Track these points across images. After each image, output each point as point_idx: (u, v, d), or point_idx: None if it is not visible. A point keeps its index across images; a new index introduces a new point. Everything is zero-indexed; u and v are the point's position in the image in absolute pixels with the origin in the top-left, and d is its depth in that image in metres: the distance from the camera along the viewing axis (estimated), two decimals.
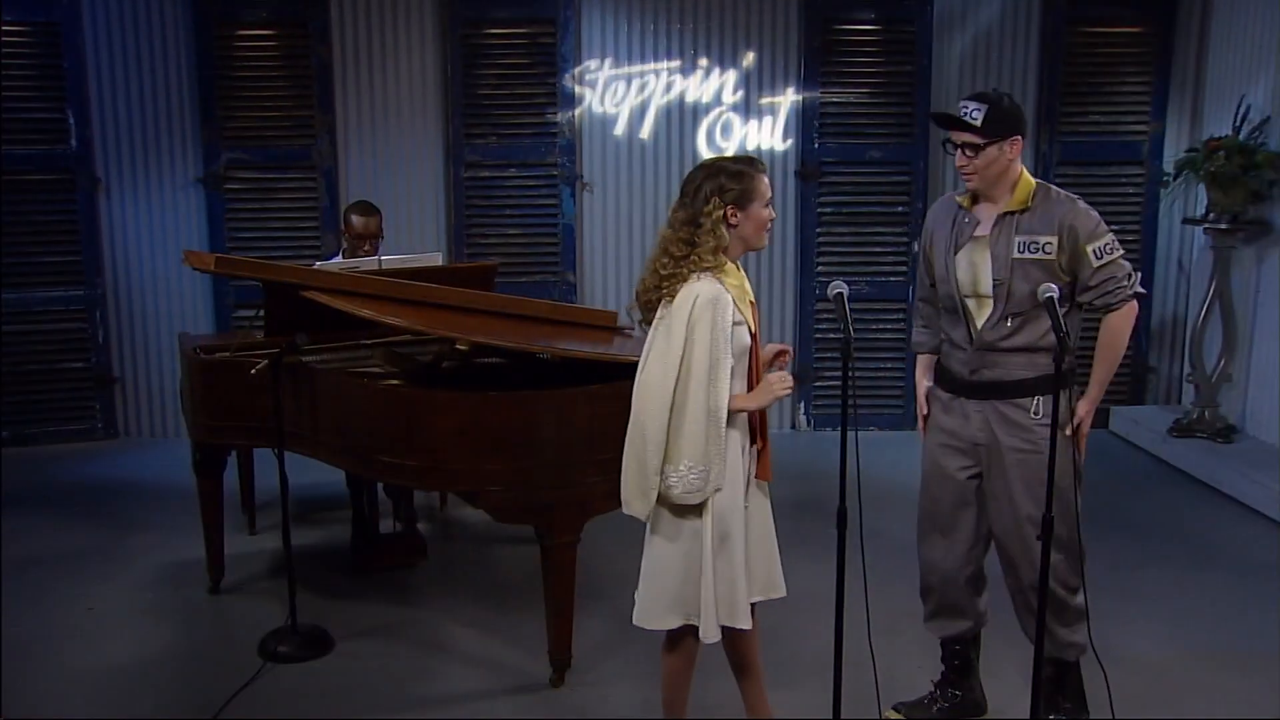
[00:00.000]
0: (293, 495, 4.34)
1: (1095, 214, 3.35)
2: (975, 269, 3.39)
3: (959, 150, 3.36)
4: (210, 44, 6.85)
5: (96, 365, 7.08)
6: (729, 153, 7.02)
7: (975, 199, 3.44)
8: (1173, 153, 7.01)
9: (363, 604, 4.64)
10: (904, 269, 7.21)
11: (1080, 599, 3.49)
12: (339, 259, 5.25)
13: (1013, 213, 3.34)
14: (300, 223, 7.07)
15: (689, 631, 3.20)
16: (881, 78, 7.07)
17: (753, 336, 3.11)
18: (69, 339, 7.02)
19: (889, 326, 7.28)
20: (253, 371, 4.09)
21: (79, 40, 6.76)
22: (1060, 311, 3.28)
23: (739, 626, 3.16)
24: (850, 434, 2.92)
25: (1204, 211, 6.63)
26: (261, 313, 4.62)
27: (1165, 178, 6.93)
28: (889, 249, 7.21)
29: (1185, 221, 6.90)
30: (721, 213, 3.03)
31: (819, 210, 7.09)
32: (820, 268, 7.18)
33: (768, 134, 7.12)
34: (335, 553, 5.18)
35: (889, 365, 7.33)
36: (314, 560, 5.07)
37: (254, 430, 4.33)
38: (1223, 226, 6.42)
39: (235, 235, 7.02)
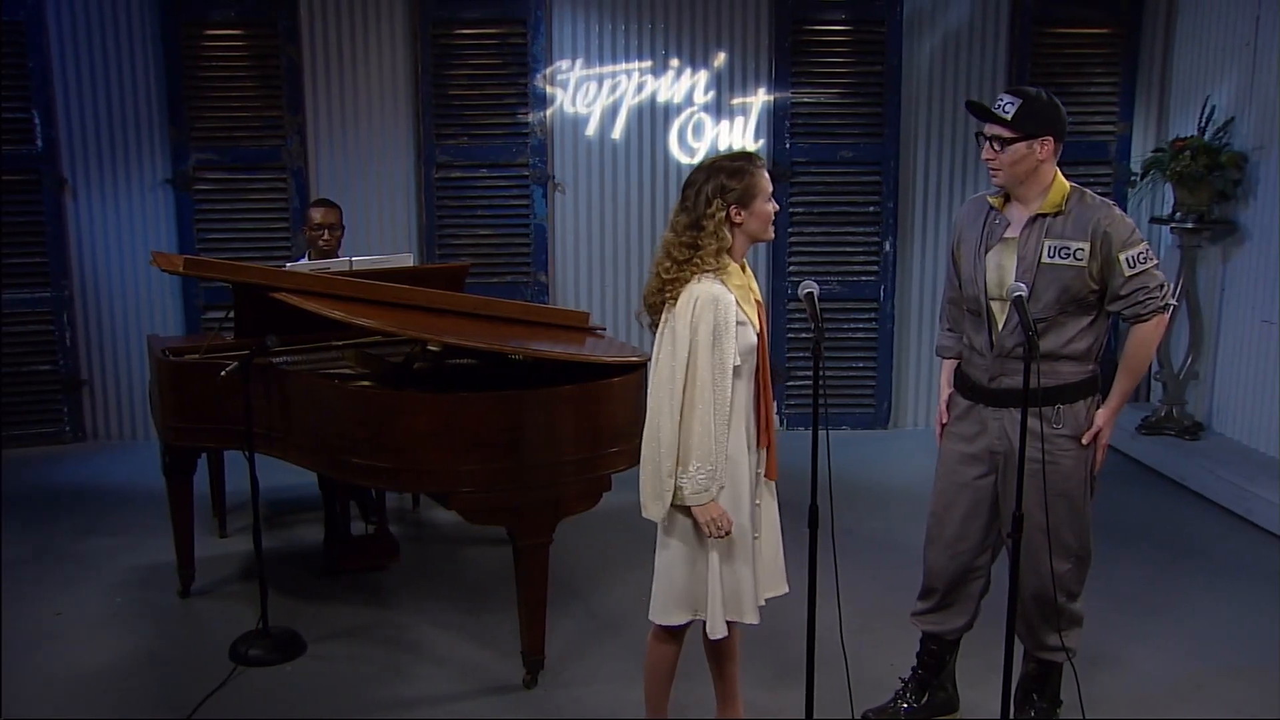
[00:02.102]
0: (264, 497, 4.32)
1: (1130, 221, 3.29)
2: (1003, 271, 3.32)
3: (987, 143, 3.31)
4: (178, 44, 6.80)
5: (64, 368, 7.02)
6: (701, 153, 7.05)
7: (1007, 199, 3.38)
8: (1140, 153, 7.09)
9: (335, 606, 4.62)
10: (875, 268, 7.24)
11: (1079, 606, 3.50)
12: (307, 260, 5.25)
13: (1044, 215, 3.29)
14: (270, 224, 7.03)
15: (679, 630, 3.23)
16: (852, 78, 7.10)
17: (759, 336, 3.12)
18: (36, 342, 6.95)
19: (861, 326, 7.31)
20: (222, 373, 4.06)
21: (43, 39, 6.70)
22: (1088, 319, 3.29)
23: (746, 622, 3.20)
24: (822, 433, 2.94)
25: (1171, 211, 6.70)
26: (231, 314, 4.60)
27: (1133, 177, 7.01)
28: (860, 248, 7.24)
29: (1153, 221, 6.97)
30: (724, 214, 3.05)
31: (790, 210, 7.10)
32: (792, 267, 7.20)
33: (739, 134, 7.14)
34: (307, 555, 5.15)
35: (860, 364, 7.36)
36: (285, 563, 5.05)
37: (224, 433, 4.30)
38: (1189, 226, 6.49)
39: (204, 236, 6.97)
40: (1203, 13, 6.85)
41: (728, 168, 3.07)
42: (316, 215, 5.39)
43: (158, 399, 4.58)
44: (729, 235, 3.06)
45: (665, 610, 3.20)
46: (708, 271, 3.05)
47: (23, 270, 6.85)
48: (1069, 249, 3.25)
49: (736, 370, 3.05)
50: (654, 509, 3.09)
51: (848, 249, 7.26)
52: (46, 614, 4.56)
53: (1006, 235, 3.36)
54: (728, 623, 3.18)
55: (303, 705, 3.86)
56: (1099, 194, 3.41)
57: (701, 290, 3.02)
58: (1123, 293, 3.25)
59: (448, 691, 3.96)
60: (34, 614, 4.55)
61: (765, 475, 3.22)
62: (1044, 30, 7.07)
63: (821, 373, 2.91)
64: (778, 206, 3.17)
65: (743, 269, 3.15)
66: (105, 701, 3.89)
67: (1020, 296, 3.13)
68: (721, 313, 3.00)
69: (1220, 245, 6.61)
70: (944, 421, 3.61)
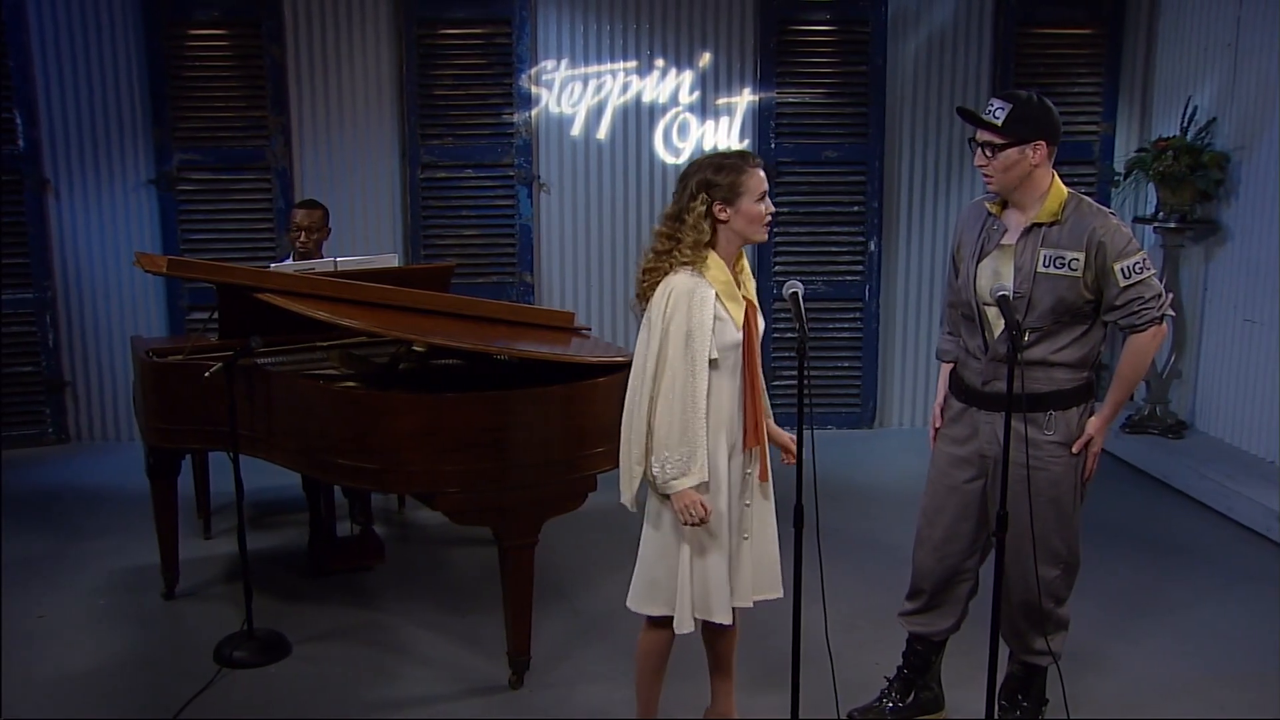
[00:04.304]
0: (248, 499, 4.31)
1: (1127, 230, 3.26)
2: (999, 278, 3.30)
3: (979, 149, 3.28)
4: (161, 43, 6.77)
5: (47, 369, 6.98)
6: (686, 153, 7.08)
7: (1005, 205, 3.36)
8: (1123, 153, 7.12)
9: (320, 607, 4.61)
10: (860, 268, 7.26)
11: (1065, 611, 3.51)
12: (291, 261, 5.24)
13: (1041, 225, 3.27)
14: (254, 224, 7.01)
15: (668, 619, 3.24)
16: (837, 78, 7.11)
17: (748, 335, 3.12)
18: (18, 343, 6.91)
19: (845, 325, 7.32)
20: (207, 374, 4.05)
21: (24, 39, 6.67)
22: (1082, 328, 3.28)
23: (714, 621, 3.20)
24: (807, 432, 2.95)
25: (1154, 210, 6.73)
26: (215, 315, 4.58)
27: (1116, 177, 7.04)
28: (845, 248, 7.25)
29: (1136, 220, 6.99)
30: (705, 208, 3.07)
31: (775, 210, 7.09)
32: (777, 267, 7.21)
33: (724, 134, 7.14)
34: (292, 556, 5.14)
35: (845, 364, 7.37)
36: (270, 564, 5.03)
37: (208, 434, 4.29)
38: (1172, 225, 6.53)
39: (188, 237, 6.95)
40: (1184, 13, 6.88)
41: (718, 164, 3.10)
42: (297, 216, 5.38)
43: (141, 400, 4.56)
44: (708, 229, 3.08)
45: (639, 599, 3.25)
46: (686, 264, 3.07)
47: (5, 271, 6.80)
48: (1064, 259, 3.23)
49: (714, 364, 3.07)
50: (625, 495, 3.16)
51: (833, 249, 7.27)
52: (29, 617, 4.54)
53: (1003, 242, 3.35)
54: (711, 623, 3.19)
55: (288, 707, 3.85)
56: (1084, 194, 3.40)
57: (677, 283, 3.05)
58: (1118, 303, 3.24)
59: (433, 692, 3.95)
60: (16, 617, 4.52)
61: (758, 477, 3.21)
62: (1028, 31, 7.10)
63: (806, 372, 2.92)
64: (773, 208, 3.15)
65: (737, 267, 3.16)
66: (89, 704, 3.87)
67: (1005, 295, 3.13)
68: (696, 306, 3.03)
69: (1203, 245, 6.65)
70: (937, 425, 3.61)
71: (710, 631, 3.39)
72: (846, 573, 4.72)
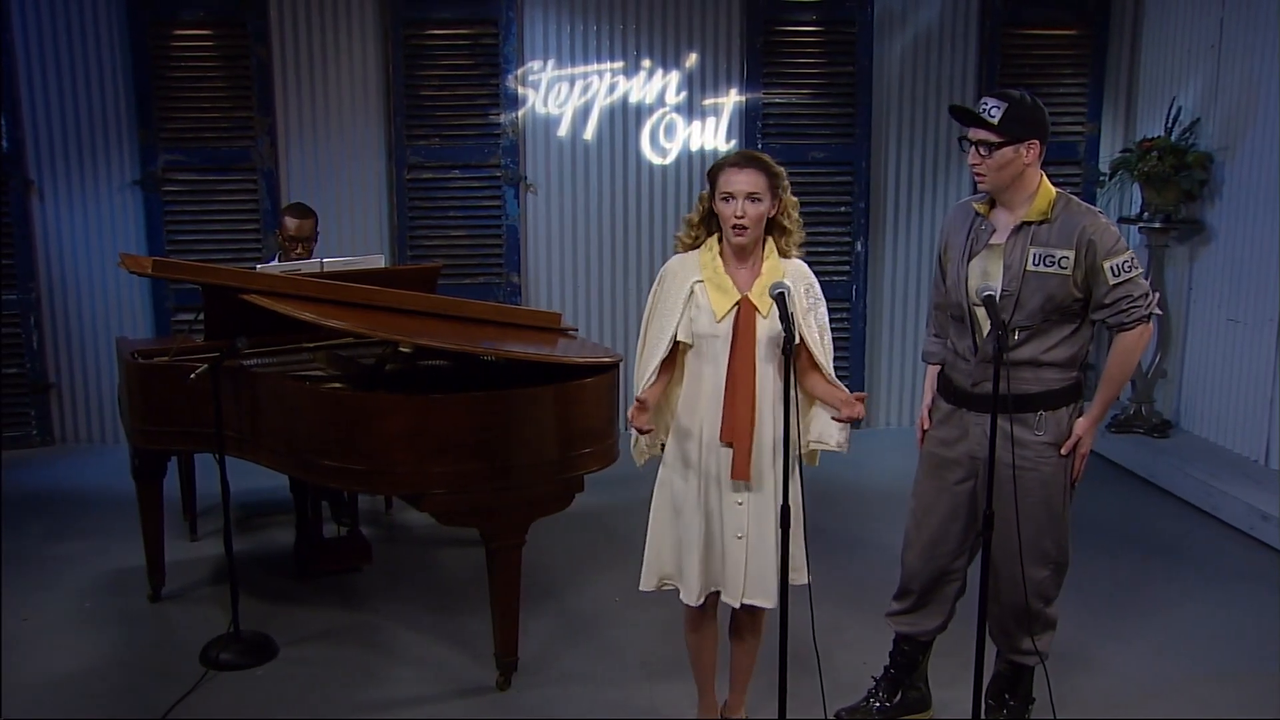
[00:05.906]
0: (235, 500, 4.30)
1: (1115, 229, 3.28)
2: (988, 278, 3.31)
3: (973, 148, 3.28)
4: (146, 43, 6.74)
5: (31, 371, 6.95)
6: (673, 154, 7.12)
7: (992, 205, 3.37)
8: (1108, 153, 7.15)
9: (307, 609, 4.60)
10: (847, 268, 7.27)
11: (1053, 610, 3.51)
12: (278, 262, 5.22)
13: (1030, 223, 3.28)
14: (240, 225, 6.98)
15: (700, 601, 3.28)
16: (823, 78, 7.12)
17: (736, 334, 3.12)
18: (3, 344, 6.86)
19: (832, 326, 7.24)
20: (192, 376, 4.04)
21: (8, 39, 6.63)
22: (1071, 327, 3.29)
23: (675, 589, 3.29)
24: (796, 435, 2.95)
25: (1139, 211, 6.76)
26: (201, 316, 4.57)
27: (1101, 178, 7.08)
28: (832, 249, 7.26)
29: (1121, 220, 7.01)
30: (705, 192, 3.23)
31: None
32: None
33: (711, 135, 7.14)
34: (278, 558, 5.12)
35: (833, 364, 7.35)
36: (257, 566, 5.02)
37: (194, 435, 4.27)
38: (1157, 225, 6.56)
39: (174, 238, 6.92)
40: (1168, 15, 6.92)
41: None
42: (291, 227, 5.30)
43: (127, 402, 4.54)
44: (701, 210, 3.24)
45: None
46: (687, 244, 3.24)
47: None
48: (1054, 257, 3.24)
49: (683, 347, 3.19)
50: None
51: (819, 249, 7.25)
52: (13, 620, 4.51)
53: (992, 242, 3.35)
54: (750, 608, 3.25)
55: (275, 709, 3.84)
56: (1069, 194, 3.41)
57: (669, 263, 3.26)
58: (1106, 301, 3.25)
59: (421, 693, 3.95)
60: (3, 619, 4.50)
61: (731, 475, 3.19)
62: (1013, 31, 7.12)
63: (793, 373, 2.93)
64: (740, 213, 3.11)
65: (760, 261, 3.21)
66: (75, 706, 3.85)
67: (990, 296, 3.14)
68: (675, 286, 3.20)
69: (1188, 245, 6.68)
70: (925, 428, 3.61)
71: (731, 626, 3.44)
72: (834, 572, 4.72)
